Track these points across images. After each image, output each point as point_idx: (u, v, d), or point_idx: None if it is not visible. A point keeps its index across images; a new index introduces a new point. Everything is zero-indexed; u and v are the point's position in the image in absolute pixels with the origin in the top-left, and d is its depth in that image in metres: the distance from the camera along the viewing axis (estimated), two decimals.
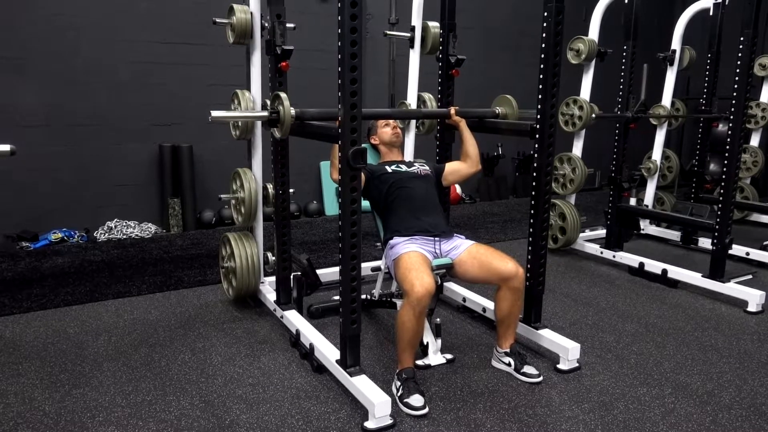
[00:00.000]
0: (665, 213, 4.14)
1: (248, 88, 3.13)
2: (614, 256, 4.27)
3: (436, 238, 2.61)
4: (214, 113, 2.30)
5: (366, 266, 3.79)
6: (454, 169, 2.92)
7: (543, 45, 2.57)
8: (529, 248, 2.77)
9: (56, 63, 4.71)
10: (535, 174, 2.68)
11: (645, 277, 3.99)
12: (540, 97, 2.60)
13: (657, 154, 4.90)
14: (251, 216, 3.17)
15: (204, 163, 5.36)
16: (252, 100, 3.06)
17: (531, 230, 2.75)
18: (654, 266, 3.96)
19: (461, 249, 2.60)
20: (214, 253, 4.43)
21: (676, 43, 4.66)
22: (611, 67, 4.49)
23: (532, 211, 2.73)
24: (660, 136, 4.87)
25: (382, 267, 2.93)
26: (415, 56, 3.52)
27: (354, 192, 2.15)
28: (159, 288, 3.64)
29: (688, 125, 6.97)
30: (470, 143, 2.89)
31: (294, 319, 2.88)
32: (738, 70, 3.45)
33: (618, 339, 2.98)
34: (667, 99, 4.76)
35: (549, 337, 2.69)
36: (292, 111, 2.37)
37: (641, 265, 4.03)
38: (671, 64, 4.72)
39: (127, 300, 3.44)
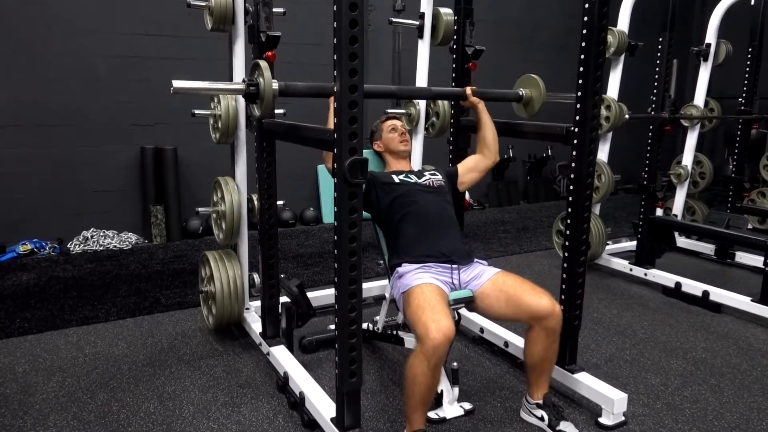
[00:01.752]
0: (709, 227, 3.68)
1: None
2: (645, 274, 3.81)
3: (454, 266, 2.16)
4: (177, 83, 1.83)
5: (367, 288, 3.35)
6: (470, 166, 2.46)
7: (584, 31, 2.11)
8: (564, 276, 2.32)
9: (26, 56, 4.26)
10: (572, 187, 2.22)
11: (682, 299, 3.53)
12: (579, 94, 2.15)
13: (688, 158, 4.44)
14: (234, 232, 2.72)
15: (190, 166, 4.90)
16: (234, 97, 2.60)
17: (566, 254, 2.30)
18: (693, 287, 3.50)
19: (484, 279, 2.14)
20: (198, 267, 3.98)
21: (711, 37, 4.20)
22: (635, 61, 4.04)
23: (568, 231, 2.28)
24: (691, 139, 4.40)
25: (387, 296, 2.48)
26: (424, 48, 3.06)
27: (353, 214, 1.69)
28: (131, 312, 3.19)
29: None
30: (489, 128, 2.42)
31: (282, 357, 2.43)
32: None
33: (665, 381, 2.52)
34: (700, 98, 4.30)
35: (588, 384, 2.24)
36: (275, 84, 1.89)
37: (678, 285, 3.57)
38: (705, 60, 4.26)
39: (93, 328, 2.98)
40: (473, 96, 2.38)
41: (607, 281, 3.92)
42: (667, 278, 3.67)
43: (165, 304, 3.32)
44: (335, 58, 1.61)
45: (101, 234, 4.55)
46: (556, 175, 7.16)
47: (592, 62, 2.09)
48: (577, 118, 2.16)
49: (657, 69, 3.71)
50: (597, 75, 2.11)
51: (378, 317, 2.60)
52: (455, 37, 2.80)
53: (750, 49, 4.21)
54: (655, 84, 3.72)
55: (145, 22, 4.59)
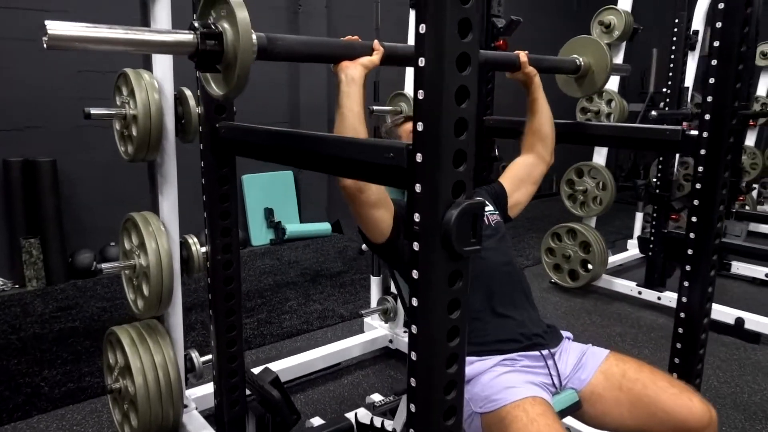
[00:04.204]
0: (747, 246, 3.18)
1: (147, 67, 1.71)
2: (659, 298, 3.25)
3: (544, 352, 1.37)
4: (54, 27, 0.89)
5: (344, 347, 2.49)
6: (520, 177, 1.65)
7: None
8: (678, 344, 1.62)
9: None
10: (695, 218, 1.52)
11: (710, 328, 2.99)
12: (713, 81, 1.45)
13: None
14: (163, 298, 1.75)
15: (75, 183, 3.73)
16: (157, 88, 1.64)
17: (682, 314, 1.59)
18: (721, 312, 2.97)
19: (590, 368, 1.37)
20: (97, 324, 2.91)
21: (698, 23, 3.74)
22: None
23: (687, 282, 1.57)
24: None
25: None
26: None
27: (454, 312, 0.86)
28: None
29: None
30: (547, 114, 1.66)
31: None
32: None
33: None
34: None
35: None
36: (254, 35, 1.04)
37: None
38: (692, 49, 3.79)
39: None
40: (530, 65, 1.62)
41: (614, 308, 3.32)
42: None
43: (49, 396, 2.25)
44: None
45: None
46: None
47: (736, 32, 1.39)
48: (707, 117, 1.46)
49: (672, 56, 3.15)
50: (740, 52, 1.41)
51: (394, 421, 1.76)
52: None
53: None
54: (670, 75, 3.16)
55: None
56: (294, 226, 4.65)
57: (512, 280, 1.45)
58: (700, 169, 1.48)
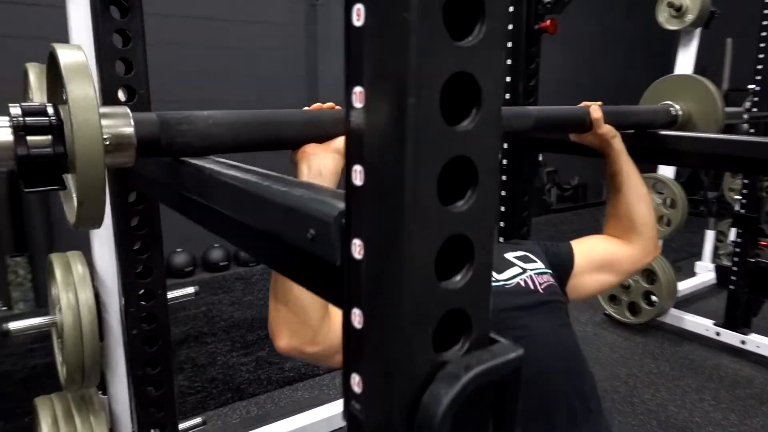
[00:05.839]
0: None
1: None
2: (743, 342, 2.65)
3: None
4: None
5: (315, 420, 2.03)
6: (601, 260, 1.12)
7: None
8: None
9: None
10: None
11: None
12: None
13: None
14: (84, 371, 1.32)
15: None
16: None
17: None
18: None
19: None
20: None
21: None
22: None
23: None
24: None
25: None
26: None
27: None
28: None
29: None
30: (639, 187, 1.13)
31: None
32: None
33: None
34: None
35: None
36: (127, 128, 0.58)
37: None
38: None
39: None
40: (604, 121, 1.08)
41: (684, 351, 2.74)
42: None
43: None
44: None
45: None
46: (545, 184, 6.07)
47: None
48: None
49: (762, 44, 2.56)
50: None
51: None
52: None
53: None
54: (759, 68, 2.56)
55: None
56: None
57: (576, 377, 0.95)
58: None
